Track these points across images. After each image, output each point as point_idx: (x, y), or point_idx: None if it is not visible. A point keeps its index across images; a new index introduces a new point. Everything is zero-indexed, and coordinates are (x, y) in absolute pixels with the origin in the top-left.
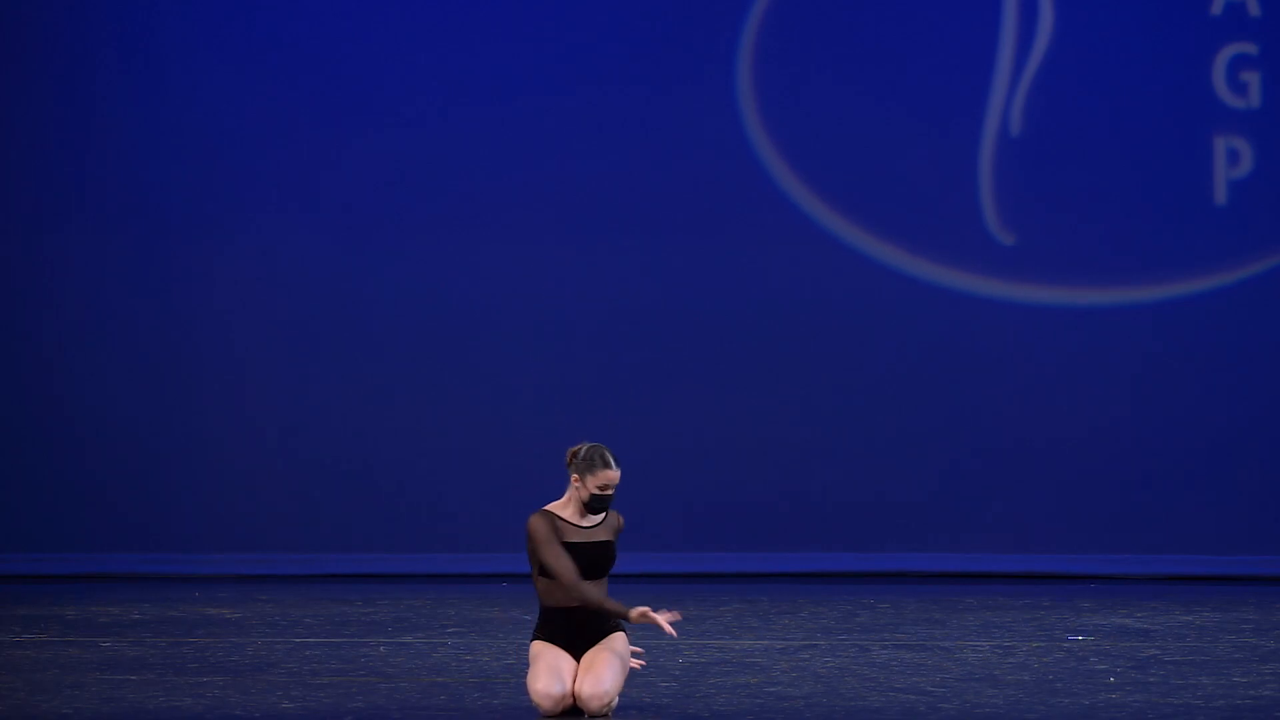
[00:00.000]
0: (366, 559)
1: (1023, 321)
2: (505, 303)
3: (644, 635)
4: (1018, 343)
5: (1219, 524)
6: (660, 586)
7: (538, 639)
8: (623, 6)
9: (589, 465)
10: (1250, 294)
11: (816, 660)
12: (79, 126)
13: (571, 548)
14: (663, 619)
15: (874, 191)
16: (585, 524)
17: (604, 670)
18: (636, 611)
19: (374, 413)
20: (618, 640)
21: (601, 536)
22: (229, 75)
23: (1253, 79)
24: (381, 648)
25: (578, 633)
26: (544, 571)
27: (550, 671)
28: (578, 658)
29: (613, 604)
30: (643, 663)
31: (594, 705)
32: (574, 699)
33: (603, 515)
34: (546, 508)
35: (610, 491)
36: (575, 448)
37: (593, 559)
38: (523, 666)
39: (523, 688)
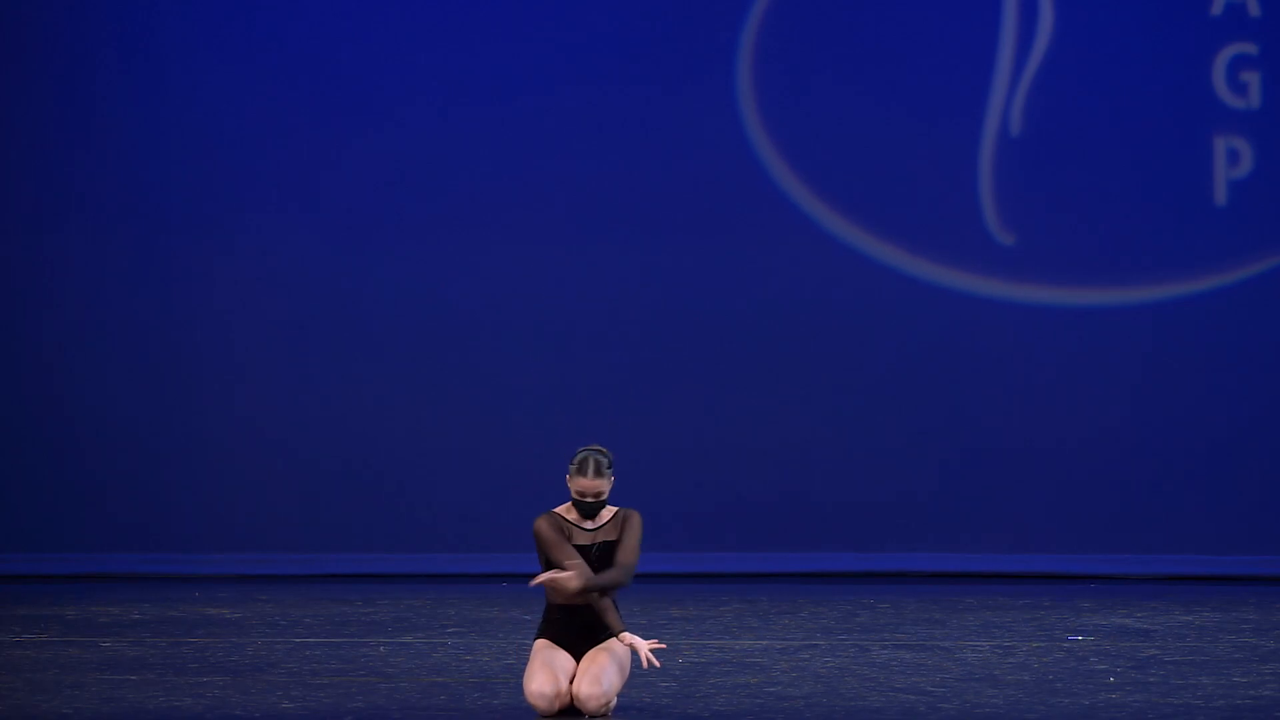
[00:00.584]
0: (366, 559)
1: (1023, 321)
2: (505, 303)
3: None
4: (1018, 343)
5: (1219, 524)
6: (660, 586)
7: (540, 637)
8: (623, 6)
9: (572, 470)
10: (1250, 294)
11: (816, 660)
12: (79, 126)
13: (576, 549)
14: (644, 649)
15: (874, 191)
16: (589, 526)
17: (603, 671)
18: (625, 636)
19: (374, 413)
20: (618, 644)
21: (607, 537)
22: (229, 75)
23: (1253, 79)
24: (381, 648)
25: (580, 632)
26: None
27: (546, 671)
28: (579, 657)
29: (610, 614)
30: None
31: (591, 705)
32: (571, 699)
33: (609, 515)
34: (553, 510)
35: (589, 499)
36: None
37: (599, 561)
38: (523, 666)
39: (523, 688)
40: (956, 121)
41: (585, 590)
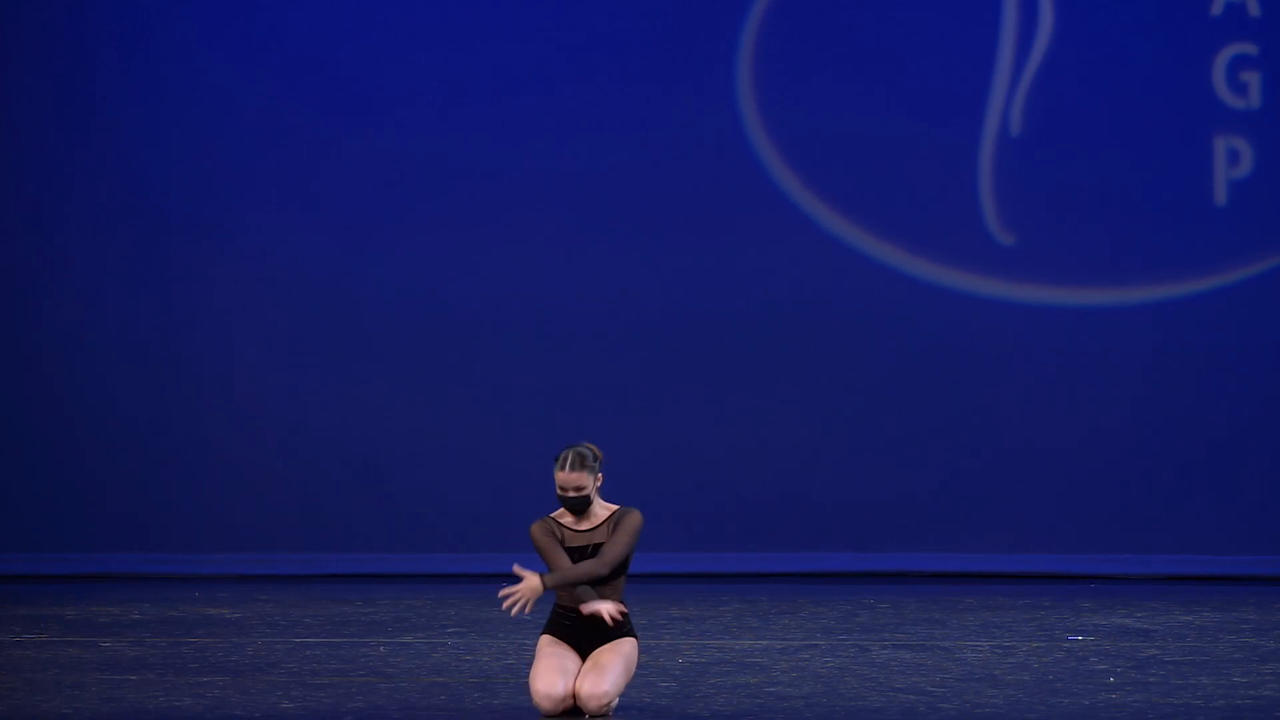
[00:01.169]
0: (366, 559)
1: (1023, 321)
2: (505, 303)
3: (643, 636)
4: (1018, 343)
5: (1219, 524)
6: (660, 586)
7: (546, 634)
8: (623, 6)
9: (555, 465)
10: (1250, 294)
11: (816, 660)
12: (79, 126)
13: (570, 552)
14: (605, 609)
15: (874, 191)
16: (583, 527)
17: (606, 671)
18: (586, 607)
19: (374, 413)
20: (626, 644)
21: (600, 540)
22: (229, 75)
23: (1253, 79)
24: (381, 648)
25: (586, 632)
26: None
27: (551, 671)
28: (584, 655)
29: (584, 590)
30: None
31: (592, 705)
32: (574, 698)
33: (606, 515)
34: (549, 515)
35: (569, 493)
36: None
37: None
38: (523, 666)
39: (523, 688)
40: (956, 121)
41: (556, 587)
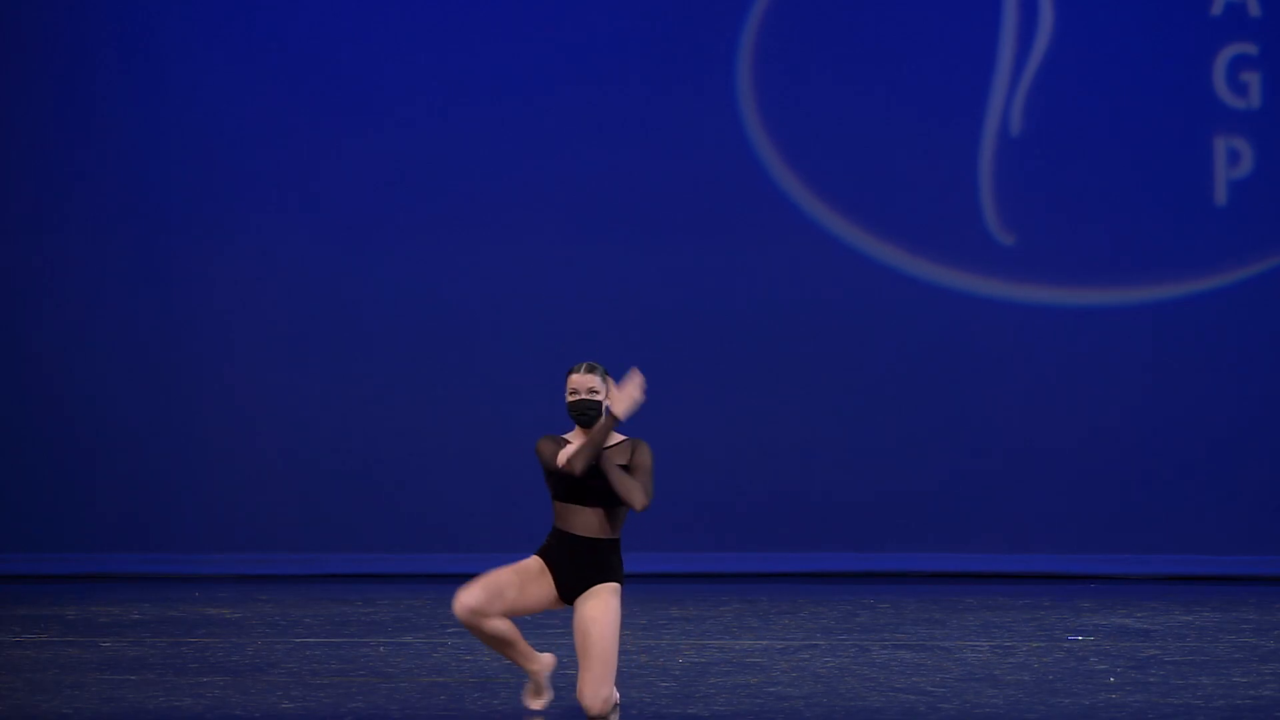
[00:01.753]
0: (366, 559)
1: (1023, 321)
2: (505, 303)
3: (643, 636)
4: (1018, 343)
5: (1219, 524)
6: (661, 586)
7: (537, 554)
8: (623, 6)
9: (568, 377)
10: (1250, 294)
11: (816, 660)
12: (79, 126)
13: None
14: (631, 386)
15: (874, 191)
16: (576, 440)
17: (599, 669)
18: (616, 408)
19: (374, 413)
20: (609, 604)
21: (617, 460)
22: (229, 75)
23: (1253, 79)
24: (381, 648)
25: (572, 562)
26: (557, 494)
27: (485, 587)
28: (562, 587)
29: (598, 433)
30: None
31: (597, 707)
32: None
33: (616, 442)
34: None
35: (581, 396)
36: None
37: (599, 483)
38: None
39: (523, 688)
40: (956, 121)
41: (590, 455)
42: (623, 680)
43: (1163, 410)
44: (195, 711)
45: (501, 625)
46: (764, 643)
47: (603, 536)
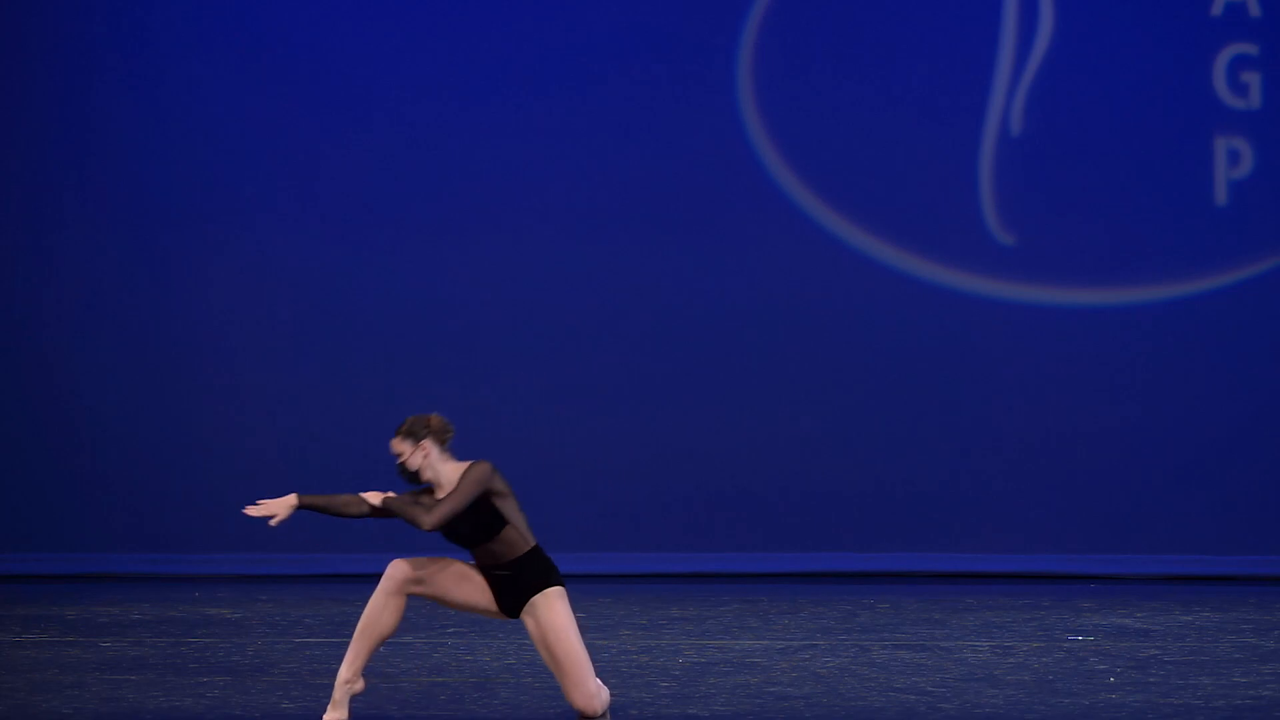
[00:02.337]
0: (366, 559)
1: (1023, 321)
2: (505, 303)
3: (643, 636)
4: (1018, 343)
5: (1219, 524)
6: (660, 586)
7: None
8: (623, 6)
9: None
10: (1250, 294)
11: (816, 660)
12: (79, 126)
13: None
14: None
15: (874, 191)
16: (438, 494)
17: (575, 672)
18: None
19: (373, 413)
20: (553, 603)
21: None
22: (229, 75)
23: (1253, 79)
24: (381, 648)
25: (504, 583)
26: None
27: (420, 566)
28: (504, 605)
29: (395, 503)
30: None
31: (592, 706)
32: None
33: (459, 473)
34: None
35: (398, 463)
36: None
37: (465, 528)
38: (523, 666)
39: (523, 688)
40: (956, 121)
41: (311, 508)
42: (623, 680)
43: (1162, 410)
44: (195, 711)
45: (394, 617)
46: (764, 643)
47: (514, 555)
